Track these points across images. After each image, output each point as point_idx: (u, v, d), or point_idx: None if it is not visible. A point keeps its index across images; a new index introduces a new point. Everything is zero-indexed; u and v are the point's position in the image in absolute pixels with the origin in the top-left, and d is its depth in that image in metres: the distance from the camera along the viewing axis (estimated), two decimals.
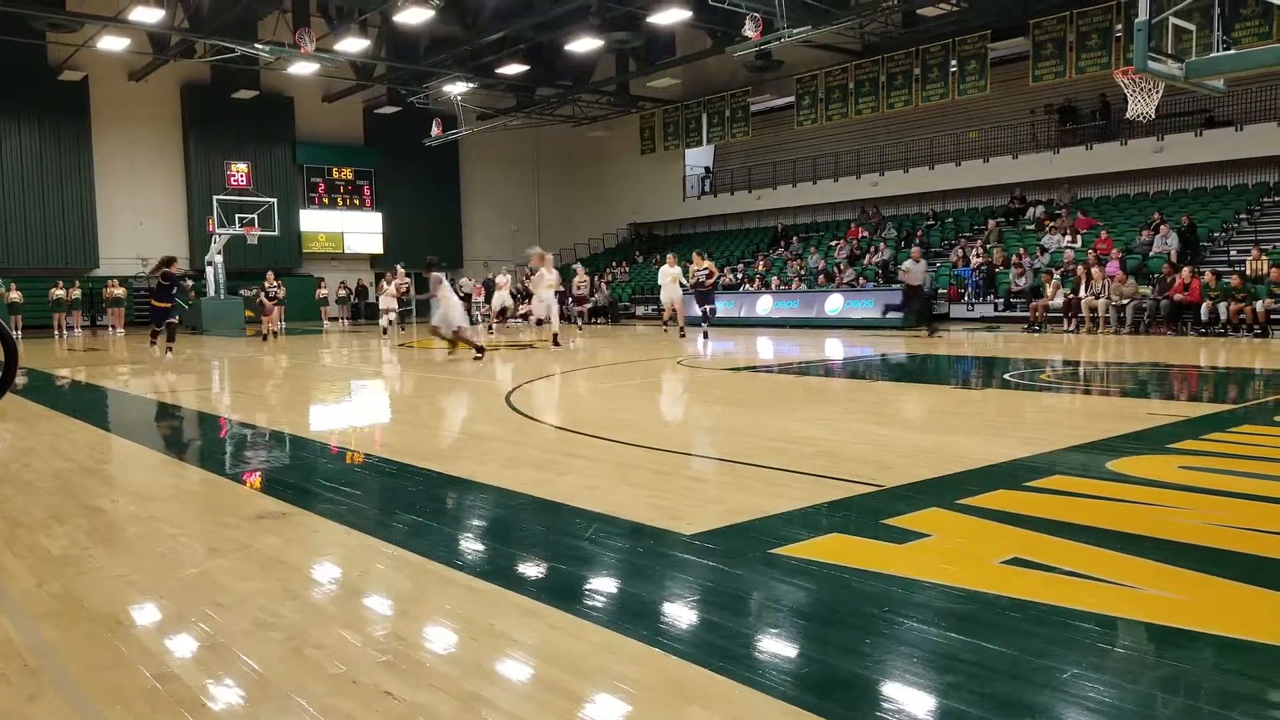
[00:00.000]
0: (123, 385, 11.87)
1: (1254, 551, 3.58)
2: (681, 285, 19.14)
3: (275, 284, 23.49)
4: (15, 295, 26.46)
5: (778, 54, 28.31)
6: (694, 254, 19.94)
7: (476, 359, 13.38)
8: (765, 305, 25.39)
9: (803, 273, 26.62)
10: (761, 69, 30.05)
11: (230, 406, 9.48)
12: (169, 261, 14.70)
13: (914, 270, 19.14)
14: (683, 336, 18.86)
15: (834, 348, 16.24)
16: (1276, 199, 21.26)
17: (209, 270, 28.07)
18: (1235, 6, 16.66)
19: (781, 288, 26.16)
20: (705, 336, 17.95)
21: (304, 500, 4.82)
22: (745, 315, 25.37)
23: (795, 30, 22.09)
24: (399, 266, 23.55)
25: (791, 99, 30.10)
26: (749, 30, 22.01)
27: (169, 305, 14.84)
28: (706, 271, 19.05)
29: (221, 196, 29.34)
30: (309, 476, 5.67)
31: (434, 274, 13.79)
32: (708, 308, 18.98)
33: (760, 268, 28.21)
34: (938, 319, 22.39)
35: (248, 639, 2.90)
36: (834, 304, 23.58)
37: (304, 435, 7.55)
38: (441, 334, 13.95)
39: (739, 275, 28.31)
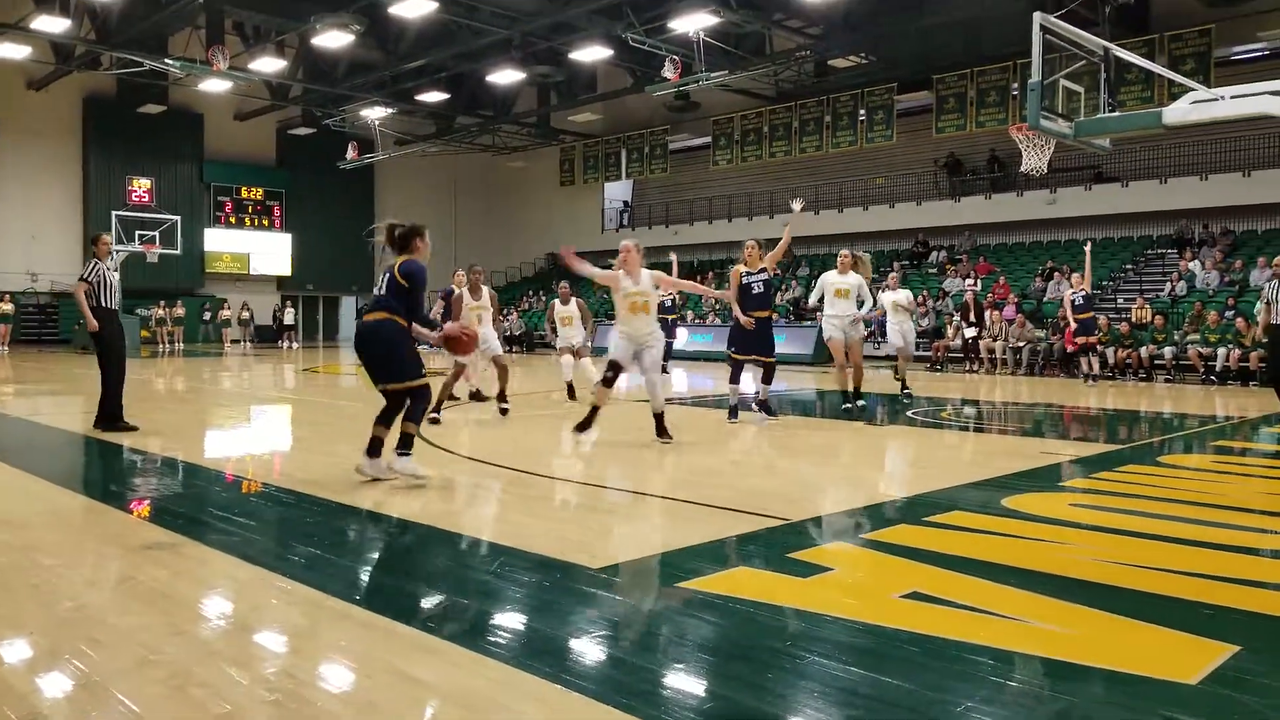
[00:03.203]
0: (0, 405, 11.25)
1: (1140, 587, 3.72)
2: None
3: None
4: None
5: (695, 96, 28.86)
6: (1071, 274, 15.95)
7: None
8: (680, 338, 25.59)
9: (717, 307, 26.97)
10: (680, 109, 30.61)
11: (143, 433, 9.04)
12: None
13: None
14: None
15: (745, 382, 16.42)
16: (1159, 251, 22.50)
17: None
18: (1120, 72, 17.64)
19: (696, 321, 26.47)
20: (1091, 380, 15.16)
21: (195, 530, 4.62)
22: None
23: (713, 74, 22.59)
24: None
25: (708, 139, 30.66)
26: (668, 72, 22.43)
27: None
28: (1084, 294, 15.50)
29: (121, 212, 28.26)
30: (202, 505, 5.44)
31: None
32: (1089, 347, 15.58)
33: (676, 301, 28.49)
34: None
35: (127, 678, 2.75)
36: None
37: (198, 462, 7.25)
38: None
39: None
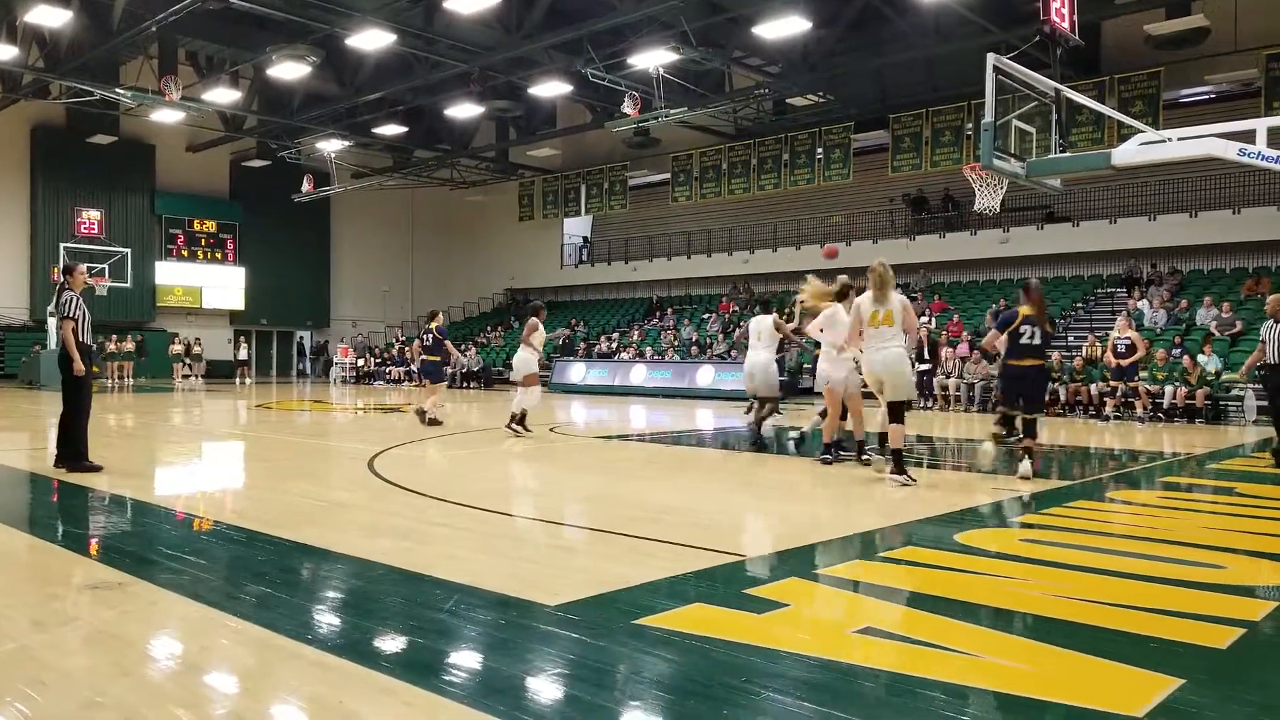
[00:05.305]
0: None
1: (1089, 621, 3.79)
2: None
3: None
4: None
5: (655, 132, 29.16)
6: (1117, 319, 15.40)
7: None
8: (639, 374, 25.65)
9: (676, 344, 27.10)
10: (640, 145, 30.88)
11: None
12: (433, 315, 13.83)
13: None
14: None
15: (705, 418, 16.50)
16: (1109, 290, 23.08)
17: (51, 322, 26.36)
18: (1072, 114, 18.20)
19: (655, 358, 26.54)
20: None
21: (144, 570, 4.52)
22: (619, 384, 25.57)
23: (672, 111, 22.86)
24: None
25: (668, 175, 30.98)
26: (628, 108, 22.68)
27: (438, 359, 13.79)
28: (1129, 341, 15.29)
29: (70, 244, 27.72)
30: (151, 544, 5.33)
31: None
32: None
33: (635, 337, 28.62)
34: (803, 392, 23.05)
35: None
36: (706, 376, 24.04)
37: (147, 500, 7.10)
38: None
39: (614, 344, 28.60)
